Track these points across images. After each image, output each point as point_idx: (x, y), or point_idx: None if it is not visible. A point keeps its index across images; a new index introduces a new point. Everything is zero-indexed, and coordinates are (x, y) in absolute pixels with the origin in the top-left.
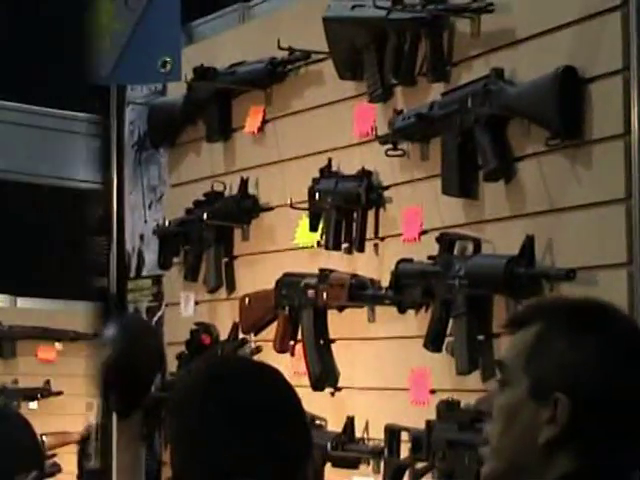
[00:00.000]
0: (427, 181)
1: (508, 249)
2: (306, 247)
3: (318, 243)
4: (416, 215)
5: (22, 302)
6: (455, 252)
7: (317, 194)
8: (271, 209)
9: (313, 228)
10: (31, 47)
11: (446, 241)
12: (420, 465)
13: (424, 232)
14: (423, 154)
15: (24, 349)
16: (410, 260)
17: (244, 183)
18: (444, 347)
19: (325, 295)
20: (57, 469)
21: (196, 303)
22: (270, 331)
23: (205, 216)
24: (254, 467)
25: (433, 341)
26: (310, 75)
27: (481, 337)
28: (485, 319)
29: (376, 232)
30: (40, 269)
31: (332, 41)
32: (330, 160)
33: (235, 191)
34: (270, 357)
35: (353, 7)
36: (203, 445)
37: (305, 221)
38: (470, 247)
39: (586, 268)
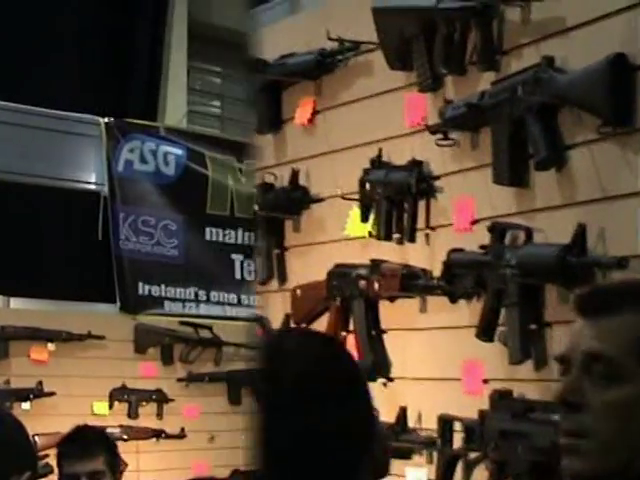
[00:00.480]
0: (478, 170)
1: (560, 238)
2: (357, 238)
3: (369, 234)
4: (467, 205)
5: (15, 302)
6: (506, 241)
7: (368, 185)
8: (322, 200)
9: (364, 219)
10: (24, 46)
11: (497, 230)
12: (473, 455)
13: (475, 221)
14: (474, 143)
15: (16, 349)
16: (461, 250)
17: (295, 174)
18: (496, 337)
19: (377, 286)
20: (49, 470)
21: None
22: (322, 322)
23: (256, 207)
24: (323, 443)
25: (485, 331)
26: (360, 66)
27: (533, 326)
28: (537, 308)
29: (427, 222)
30: (34, 269)
31: (381, 31)
32: (380, 150)
33: (286, 182)
34: None
35: None
36: (273, 423)
37: (356, 212)
38: (521, 236)
39: (638, 256)
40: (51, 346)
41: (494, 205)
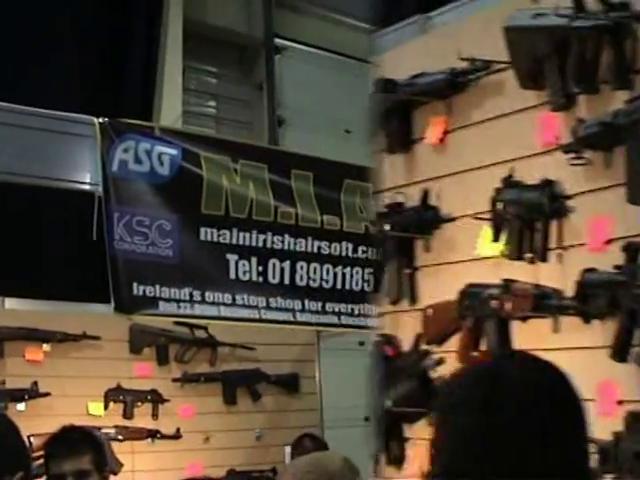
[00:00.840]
0: (611, 190)
1: None
2: (488, 257)
3: (501, 253)
4: (600, 224)
5: (10, 302)
6: None
7: (499, 204)
8: (453, 220)
9: (495, 238)
10: (19, 47)
11: (632, 250)
12: (607, 477)
13: (609, 241)
14: (607, 162)
15: (11, 350)
16: (595, 270)
17: (425, 194)
18: (630, 357)
19: (508, 305)
20: (44, 471)
21: (379, 314)
22: (453, 342)
23: (388, 227)
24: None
25: (619, 351)
26: (491, 85)
27: None
28: None
29: (559, 242)
30: (28, 269)
31: (513, 50)
32: (512, 170)
33: (416, 202)
34: (453, 369)
35: (535, 16)
36: (494, 453)
37: (487, 231)
38: None
39: None
40: (46, 346)
41: (628, 225)
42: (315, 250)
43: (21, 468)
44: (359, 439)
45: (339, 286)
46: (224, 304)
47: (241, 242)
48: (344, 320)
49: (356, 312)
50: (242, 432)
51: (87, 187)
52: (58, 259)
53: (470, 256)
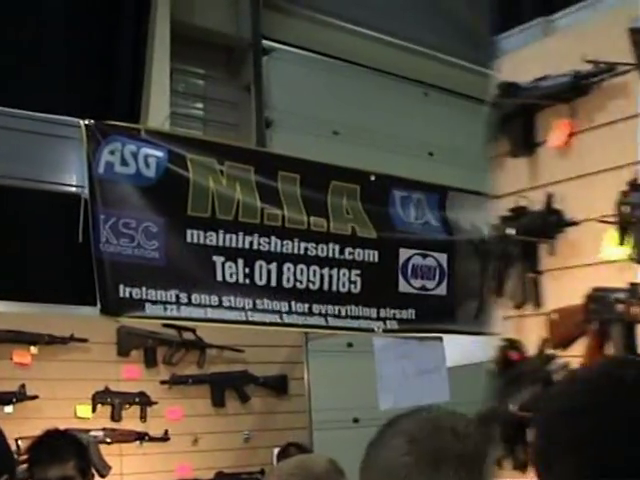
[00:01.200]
0: None
1: None
2: (614, 261)
3: (627, 257)
4: None
5: None
6: None
7: (625, 207)
8: (577, 223)
9: (621, 242)
10: (4, 48)
11: None
12: None
13: None
14: None
15: None
16: None
17: (549, 198)
18: None
19: (635, 309)
20: (29, 475)
21: (503, 319)
22: (579, 346)
23: (513, 232)
24: None
25: None
26: (615, 87)
27: None
28: None
29: None
30: (15, 272)
31: (638, 52)
32: (638, 172)
33: (540, 206)
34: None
35: None
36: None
37: (612, 235)
38: None
39: None
40: (34, 349)
41: None
42: (302, 252)
43: (6, 471)
44: (348, 441)
45: (326, 288)
46: (211, 306)
47: (227, 244)
48: (331, 322)
49: (343, 314)
50: (230, 434)
51: (73, 189)
52: (44, 261)
53: (595, 260)
